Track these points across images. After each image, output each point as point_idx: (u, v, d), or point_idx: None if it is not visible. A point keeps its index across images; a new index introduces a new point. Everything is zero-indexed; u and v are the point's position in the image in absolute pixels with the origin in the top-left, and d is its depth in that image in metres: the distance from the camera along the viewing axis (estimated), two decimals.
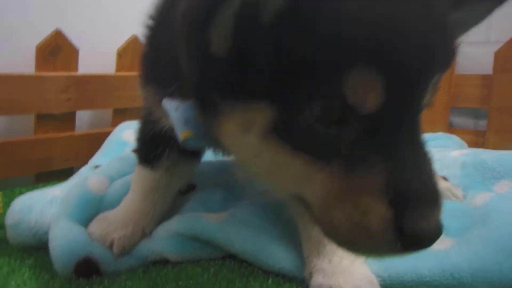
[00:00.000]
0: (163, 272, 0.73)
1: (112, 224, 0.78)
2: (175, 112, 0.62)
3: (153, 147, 0.80)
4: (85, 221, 0.78)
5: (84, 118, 1.38)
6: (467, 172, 1.04)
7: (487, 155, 1.03)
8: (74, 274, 0.69)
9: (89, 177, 0.89)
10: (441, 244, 0.71)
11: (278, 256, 0.73)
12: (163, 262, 0.78)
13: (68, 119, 1.27)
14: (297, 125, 0.44)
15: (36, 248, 0.80)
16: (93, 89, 1.27)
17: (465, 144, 1.46)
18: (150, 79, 0.73)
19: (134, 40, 1.42)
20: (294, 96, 0.43)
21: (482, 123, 1.63)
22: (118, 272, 0.74)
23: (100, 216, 0.81)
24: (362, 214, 0.42)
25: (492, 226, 0.70)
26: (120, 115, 1.41)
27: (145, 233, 0.80)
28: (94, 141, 1.31)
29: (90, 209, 0.81)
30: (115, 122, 1.39)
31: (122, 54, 1.38)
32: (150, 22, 0.72)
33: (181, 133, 0.60)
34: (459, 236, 0.73)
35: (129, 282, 0.69)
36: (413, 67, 0.42)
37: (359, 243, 0.44)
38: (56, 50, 1.17)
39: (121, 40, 1.42)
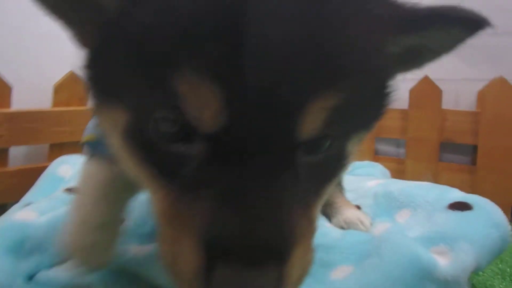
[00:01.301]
0: None
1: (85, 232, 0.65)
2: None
3: None
4: (13, 252, 0.77)
5: (18, 154, 1.37)
6: (378, 201, 1.17)
7: (395, 186, 1.17)
8: None
9: (17, 213, 0.89)
10: (341, 273, 0.81)
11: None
12: None
13: (0, 155, 1.26)
14: (145, 136, 0.40)
15: None
16: (28, 124, 1.27)
17: (388, 172, 1.62)
18: None
19: (71, 75, 1.44)
20: (141, 103, 0.39)
21: (402, 152, 1.81)
22: None
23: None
24: (175, 254, 0.38)
25: (383, 256, 0.80)
26: (57, 150, 1.41)
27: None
28: (29, 177, 1.30)
29: (16, 238, 0.79)
30: (51, 157, 1.39)
31: (58, 89, 1.39)
32: None
33: (85, 136, 0.60)
34: (358, 264, 0.83)
35: None
36: (265, 78, 0.33)
37: (174, 277, 0.40)
38: None
39: (58, 75, 1.44)
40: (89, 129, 0.59)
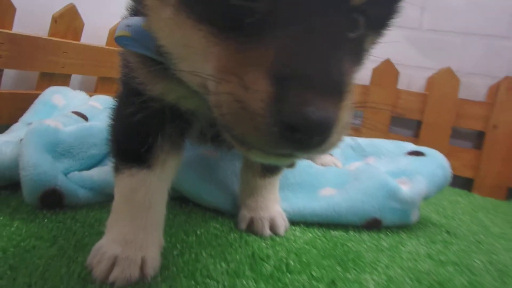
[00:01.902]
0: None
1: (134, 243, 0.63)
2: (124, 21, 0.60)
3: (142, 136, 0.64)
4: (49, 152, 0.84)
5: (8, 78, 1.36)
6: (345, 151, 1.40)
7: (362, 140, 1.41)
8: (39, 203, 0.80)
9: (41, 119, 0.95)
10: (327, 192, 1.01)
11: (215, 195, 0.94)
12: None
13: None
14: None
15: None
16: (25, 49, 1.27)
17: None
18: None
19: (71, 8, 1.45)
20: None
21: (358, 122, 2.07)
22: (79, 205, 0.85)
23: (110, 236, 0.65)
24: (244, 88, 0.39)
25: (360, 181, 1.02)
26: (47, 79, 1.42)
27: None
28: (18, 101, 1.32)
29: (50, 140, 0.86)
30: (40, 86, 1.41)
31: (58, 19, 1.40)
32: None
33: (118, 31, 0.58)
34: (340, 187, 1.03)
35: (91, 213, 0.83)
36: None
37: (239, 123, 0.40)
38: None
39: (58, 5, 1.44)
40: (121, 27, 0.58)
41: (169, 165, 0.68)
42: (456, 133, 1.88)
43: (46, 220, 0.78)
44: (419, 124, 1.93)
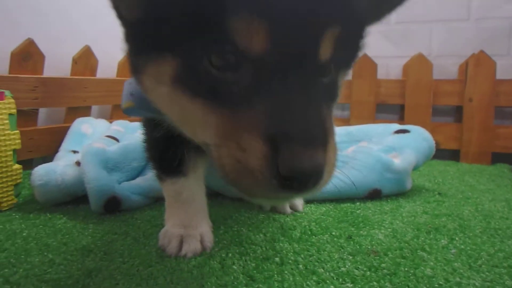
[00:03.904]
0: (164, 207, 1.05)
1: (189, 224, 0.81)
2: (127, 87, 0.68)
3: (171, 152, 0.78)
4: (103, 168, 1.02)
5: (41, 115, 1.55)
6: (341, 139, 1.59)
7: (352, 128, 1.60)
8: (103, 209, 0.98)
9: (90, 143, 1.13)
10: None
11: None
12: (162, 199, 1.01)
13: (33, 114, 1.44)
14: (197, 72, 0.48)
15: (61, 203, 1.05)
16: (54, 89, 1.46)
17: (335, 127, 2.06)
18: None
19: (87, 49, 1.64)
20: (192, 45, 0.47)
21: (347, 113, 2.27)
22: (132, 208, 1.03)
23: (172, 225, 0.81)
24: (242, 150, 0.44)
25: (358, 159, 1.20)
26: (72, 113, 1.60)
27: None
28: (51, 135, 1.50)
29: (102, 158, 1.04)
30: (67, 119, 1.59)
31: (77, 60, 1.59)
32: None
33: (124, 103, 0.67)
34: (342, 167, 1.21)
35: (145, 212, 1.01)
36: (295, 15, 0.45)
37: (242, 180, 0.45)
38: (28, 56, 1.35)
39: (76, 48, 1.64)
40: (126, 97, 0.66)
41: (200, 168, 0.84)
42: (437, 111, 2.09)
43: (113, 221, 0.95)
44: (402, 107, 2.13)
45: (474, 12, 2.03)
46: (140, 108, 0.65)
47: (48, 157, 1.47)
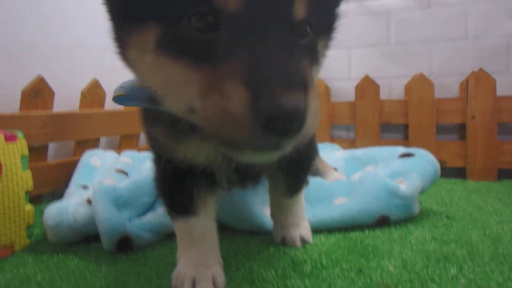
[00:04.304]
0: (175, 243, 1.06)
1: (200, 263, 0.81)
2: (119, 85, 0.71)
3: (181, 190, 0.80)
4: (114, 206, 1.02)
5: (50, 149, 1.57)
6: (348, 163, 1.60)
7: (358, 152, 1.62)
8: (115, 249, 0.99)
9: (101, 180, 1.14)
10: (340, 201, 1.21)
11: (249, 220, 1.13)
12: (173, 235, 1.01)
13: (42, 150, 1.47)
14: (178, 35, 0.50)
15: (72, 242, 1.06)
16: (63, 124, 1.49)
17: (341, 148, 2.07)
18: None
19: (95, 82, 1.68)
20: (171, 9, 0.50)
21: (352, 134, 2.29)
22: (143, 246, 1.04)
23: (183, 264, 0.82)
24: (224, 98, 0.45)
25: (364, 186, 1.22)
26: (81, 146, 1.63)
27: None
28: (61, 169, 1.53)
29: (113, 196, 1.05)
30: (76, 152, 1.61)
31: (86, 94, 1.63)
32: None
33: (115, 92, 0.69)
34: (348, 196, 1.23)
35: (156, 250, 1.02)
36: None
37: (225, 128, 0.46)
38: (38, 93, 1.39)
39: (84, 81, 1.67)
40: (117, 89, 0.70)
41: (210, 205, 0.86)
42: (441, 129, 2.10)
43: (125, 260, 0.96)
44: (405, 127, 2.15)
45: (472, 30, 2.07)
46: (129, 97, 0.67)
47: (58, 191, 1.50)
